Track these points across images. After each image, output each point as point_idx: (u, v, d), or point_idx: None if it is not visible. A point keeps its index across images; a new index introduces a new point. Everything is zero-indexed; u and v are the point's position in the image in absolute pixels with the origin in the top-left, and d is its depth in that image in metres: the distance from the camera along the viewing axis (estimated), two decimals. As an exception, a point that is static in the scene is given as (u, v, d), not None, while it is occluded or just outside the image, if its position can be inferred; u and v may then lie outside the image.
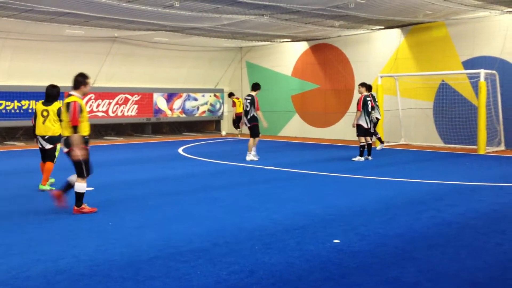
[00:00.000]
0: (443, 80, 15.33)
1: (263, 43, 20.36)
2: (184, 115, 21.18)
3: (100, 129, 19.57)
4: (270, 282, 4.20)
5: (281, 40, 19.78)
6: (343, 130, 18.39)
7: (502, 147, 14.22)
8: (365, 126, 12.02)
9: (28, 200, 7.66)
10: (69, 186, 6.81)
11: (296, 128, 20.05)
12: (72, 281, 4.23)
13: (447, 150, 14.37)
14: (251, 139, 12.32)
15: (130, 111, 19.47)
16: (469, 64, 14.90)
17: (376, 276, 4.34)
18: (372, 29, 17.08)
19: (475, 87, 14.10)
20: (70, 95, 6.88)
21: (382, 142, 14.59)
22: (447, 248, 5.15)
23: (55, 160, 8.48)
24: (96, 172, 10.29)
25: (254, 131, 12.33)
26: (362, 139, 12.03)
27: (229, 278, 4.27)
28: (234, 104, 19.99)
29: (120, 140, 18.49)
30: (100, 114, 18.61)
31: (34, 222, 6.29)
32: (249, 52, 21.79)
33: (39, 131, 8.34)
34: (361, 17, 14.35)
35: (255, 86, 12.74)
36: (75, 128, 6.57)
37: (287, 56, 20.36)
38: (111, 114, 18.98)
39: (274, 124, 20.67)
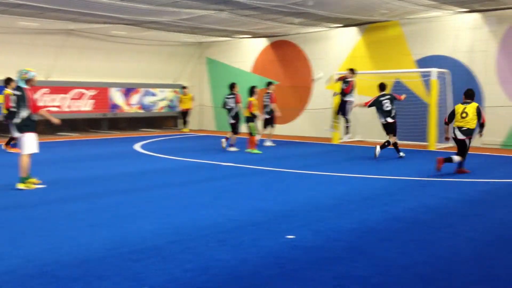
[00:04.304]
0: (397, 78, 15.71)
1: (223, 38, 20.30)
2: (142, 111, 20.85)
3: (53, 125, 18.95)
4: (224, 279, 4.22)
5: (242, 36, 19.78)
6: (301, 126, 18.59)
7: (451, 143, 14.70)
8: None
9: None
10: (450, 159, 9.59)
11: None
12: (19, 282, 4.11)
13: (400, 147, 14.71)
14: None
15: (85, 106, 19.01)
16: (422, 62, 15.35)
17: (329, 270, 4.43)
18: (330, 27, 17.32)
19: (428, 85, 14.54)
20: (468, 102, 9.74)
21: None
22: (397, 242, 5.30)
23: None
24: (49, 169, 10.05)
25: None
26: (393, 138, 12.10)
27: (182, 276, 4.26)
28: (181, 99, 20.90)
29: (74, 136, 18.02)
30: (53, 109, 18.07)
31: (-20, 221, 6.06)
32: (209, 47, 21.67)
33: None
34: (320, 14, 14.53)
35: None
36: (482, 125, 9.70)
37: (247, 52, 20.38)
38: (65, 109, 18.48)
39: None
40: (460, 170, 9.81)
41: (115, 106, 19.88)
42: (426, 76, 14.62)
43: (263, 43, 19.80)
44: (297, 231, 5.67)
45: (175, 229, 5.74)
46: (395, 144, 12.24)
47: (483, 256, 4.89)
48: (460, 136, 9.72)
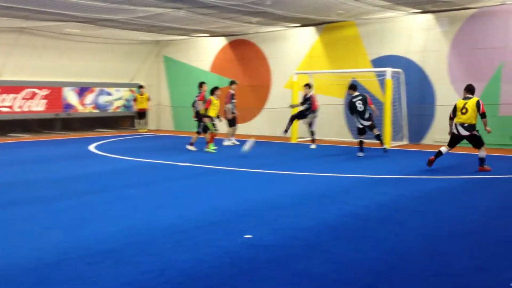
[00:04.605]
0: (353, 78, 16.00)
1: (181, 37, 20.11)
2: (97, 111, 20.36)
3: (4, 126, 18.28)
4: (180, 281, 4.17)
5: (200, 35, 19.65)
6: (259, 125, 18.66)
7: (405, 141, 15.17)
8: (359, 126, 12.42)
9: None
10: (483, 159, 9.68)
11: (214, 123, 20.02)
12: (-35, 290, 3.94)
13: (356, 145, 15.00)
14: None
15: (37, 106, 18.39)
16: (377, 62, 15.70)
17: (286, 269, 4.46)
18: (288, 27, 17.45)
19: (382, 84, 14.89)
20: (469, 97, 9.78)
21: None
22: (352, 239, 5.40)
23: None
24: (0, 171, 9.69)
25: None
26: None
27: (138, 279, 4.19)
28: (136, 98, 20.50)
29: (26, 137, 17.42)
30: (4, 109, 17.41)
31: None
32: (167, 46, 21.42)
33: None
34: (277, 14, 14.62)
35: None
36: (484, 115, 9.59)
37: (205, 51, 20.26)
38: (17, 109, 17.83)
39: (191, 119, 20.52)
40: (482, 168, 9.74)
41: (68, 106, 19.34)
42: (381, 76, 14.96)
43: (221, 42, 19.74)
44: (255, 230, 5.68)
45: (131, 231, 5.64)
46: (361, 142, 12.45)
47: (434, 251, 5.04)
48: (463, 132, 9.71)
